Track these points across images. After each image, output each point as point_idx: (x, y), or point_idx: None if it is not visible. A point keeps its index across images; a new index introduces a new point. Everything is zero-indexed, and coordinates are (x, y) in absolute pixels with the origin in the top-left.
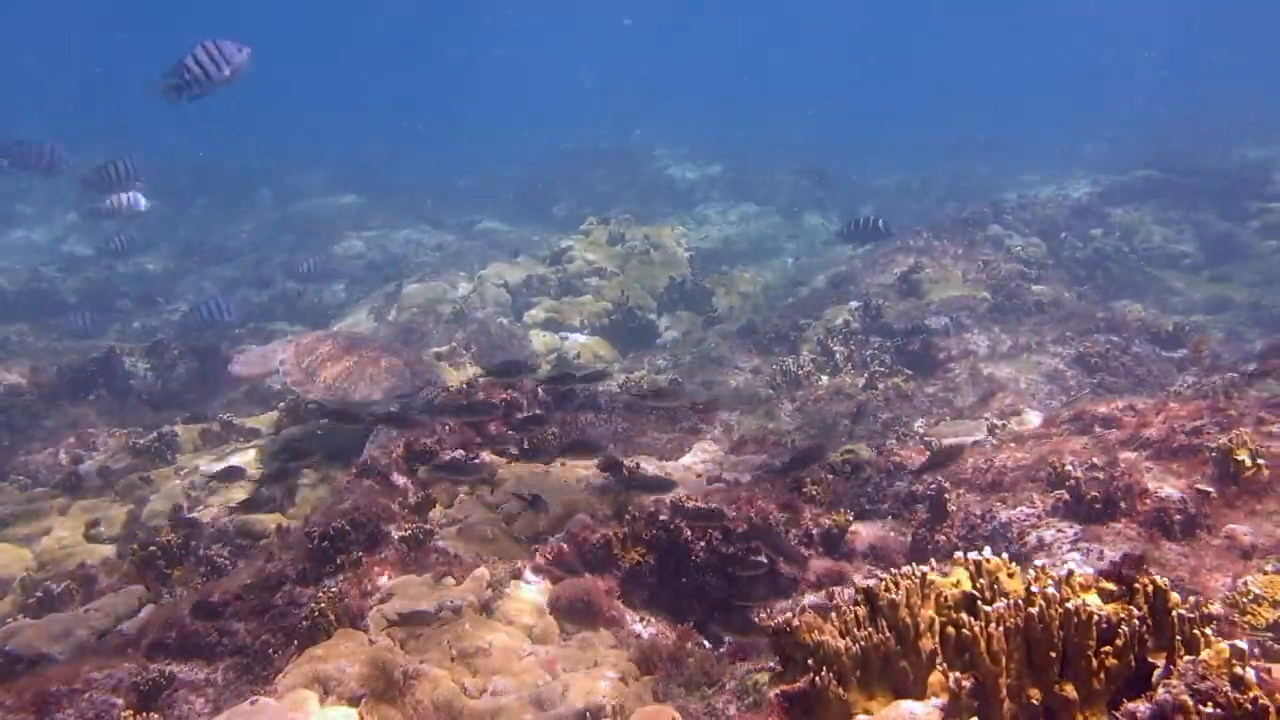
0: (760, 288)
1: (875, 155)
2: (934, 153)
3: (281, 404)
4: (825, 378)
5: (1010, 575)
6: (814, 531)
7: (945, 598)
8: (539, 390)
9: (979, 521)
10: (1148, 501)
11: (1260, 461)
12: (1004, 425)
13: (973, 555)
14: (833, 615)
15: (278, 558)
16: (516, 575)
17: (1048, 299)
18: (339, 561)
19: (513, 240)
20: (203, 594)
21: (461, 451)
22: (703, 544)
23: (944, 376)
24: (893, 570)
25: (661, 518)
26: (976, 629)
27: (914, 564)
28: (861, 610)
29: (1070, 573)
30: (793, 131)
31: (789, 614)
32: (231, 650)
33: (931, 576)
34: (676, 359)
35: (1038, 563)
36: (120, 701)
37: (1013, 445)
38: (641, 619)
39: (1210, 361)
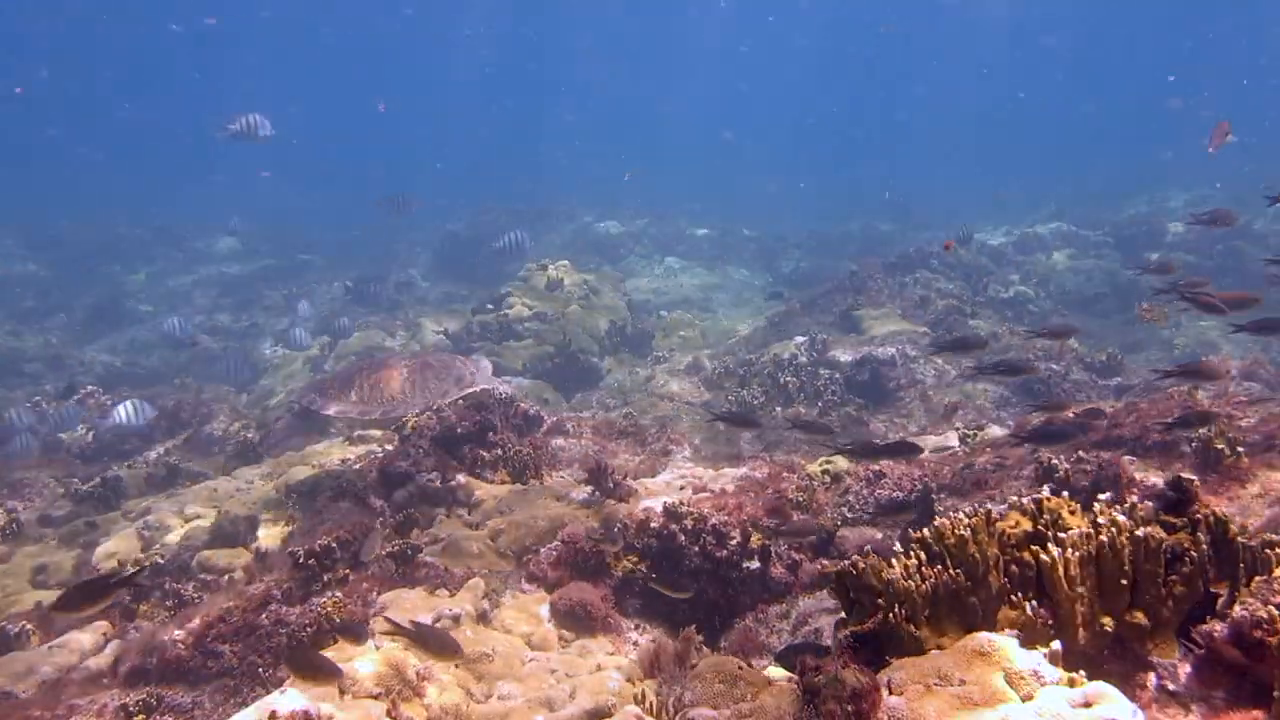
0: (699, 331)
1: (779, 212)
2: (837, 209)
3: (229, 447)
4: (779, 408)
5: (1072, 512)
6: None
7: (1008, 536)
8: (509, 415)
9: None
10: (1134, 490)
11: (1240, 450)
12: (974, 435)
13: (1031, 496)
14: (893, 560)
15: (259, 579)
16: (511, 585)
17: (985, 332)
18: (326, 580)
19: (437, 296)
20: (183, 619)
21: (437, 474)
22: (697, 548)
23: (895, 405)
24: (956, 512)
25: (653, 525)
26: (1055, 555)
27: (979, 505)
28: (921, 554)
29: (1134, 505)
30: (696, 189)
31: (854, 558)
32: (217, 673)
33: (995, 516)
34: (626, 397)
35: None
36: None
37: (989, 450)
38: (636, 626)
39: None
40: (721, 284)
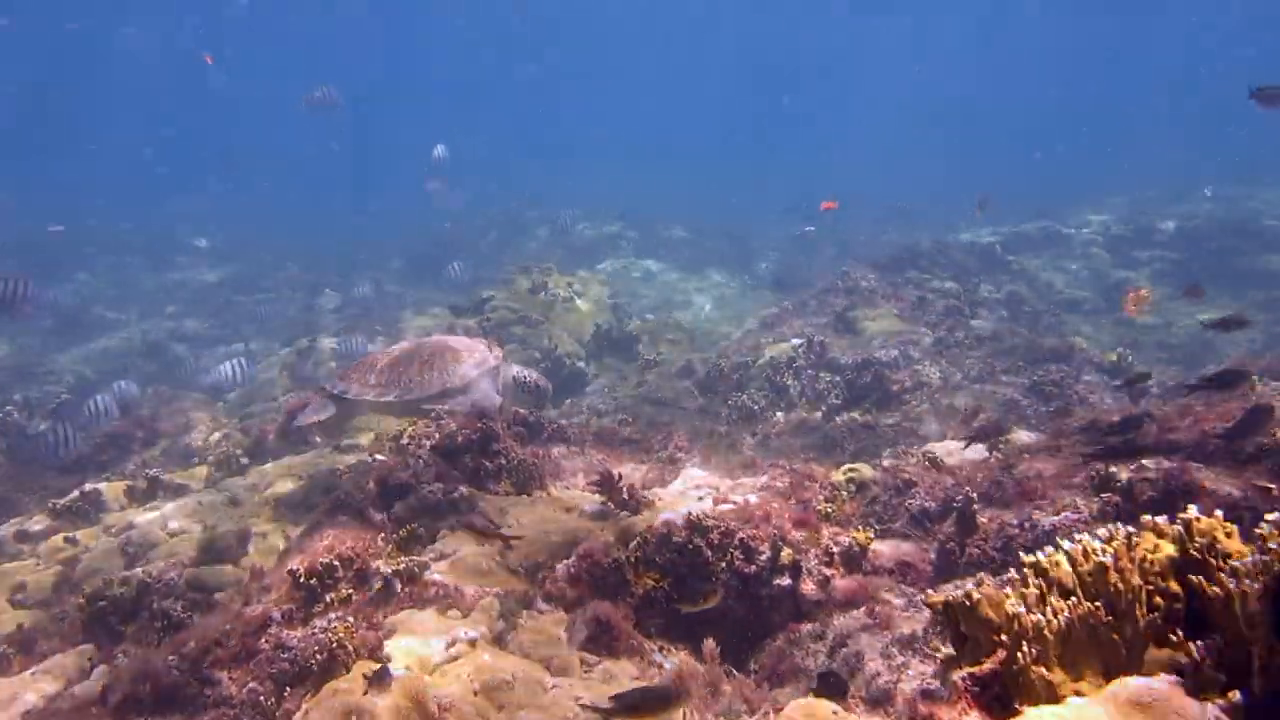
0: (686, 334)
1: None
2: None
3: (211, 458)
4: (780, 414)
5: (1229, 535)
6: (834, 550)
7: (1150, 563)
8: (511, 422)
9: (1016, 531)
10: (1207, 501)
11: None
12: (1006, 441)
13: (1179, 516)
14: (1008, 590)
15: (256, 599)
16: (528, 605)
17: (987, 333)
18: (329, 600)
19: (414, 300)
20: (175, 643)
21: (439, 485)
22: (724, 564)
23: (901, 408)
24: (1091, 533)
25: (675, 539)
26: (1230, 588)
27: (1115, 526)
28: (1041, 583)
29: None
30: (667, 193)
31: (967, 588)
32: (216, 702)
33: (1136, 539)
34: (618, 402)
35: None
36: None
37: (1027, 457)
38: (661, 648)
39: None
40: (702, 286)
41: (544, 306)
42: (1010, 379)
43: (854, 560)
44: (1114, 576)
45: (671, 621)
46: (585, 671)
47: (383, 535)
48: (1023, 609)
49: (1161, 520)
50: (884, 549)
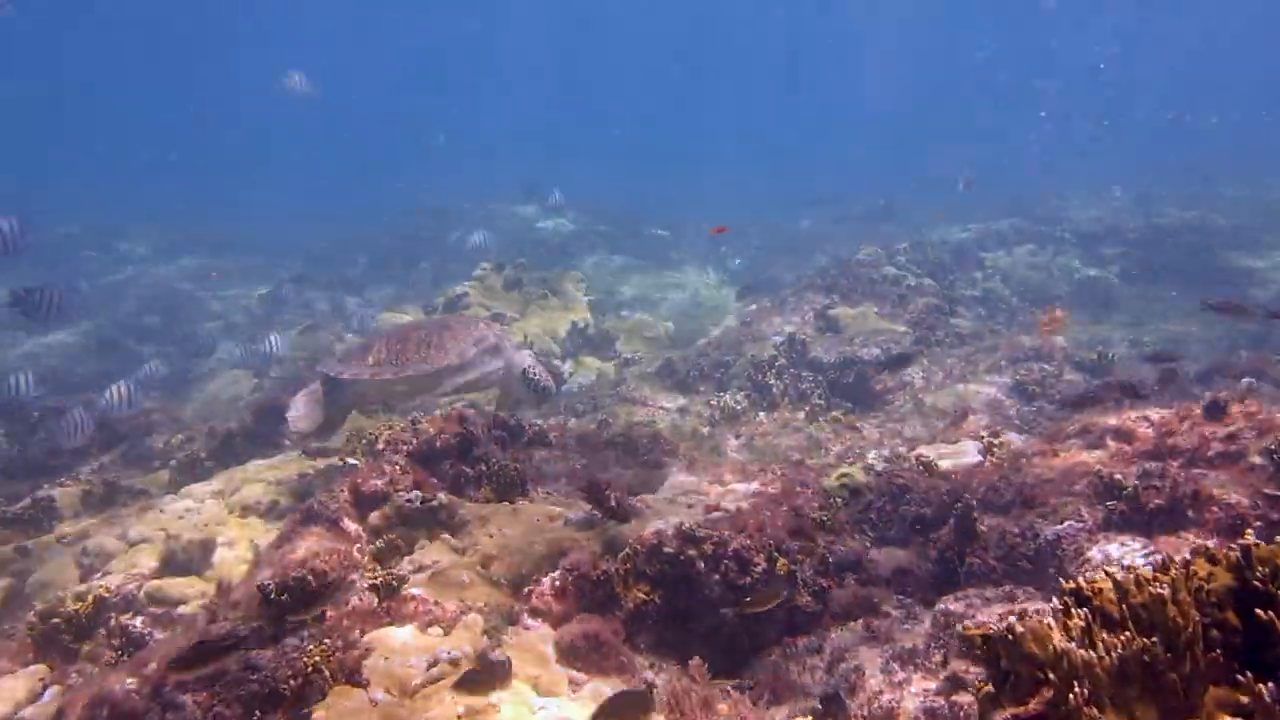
0: (664, 332)
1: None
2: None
3: (173, 462)
4: (762, 414)
5: None
6: (830, 560)
7: (1208, 593)
8: (492, 426)
9: (1018, 540)
10: (1214, 509)
11: None
12: (1001, 444)
13: (1238, 542)
14: (1050, 621)
15: (222, 616)
16: (512, 620)
17: (968, 331)
18: (300, 617)
19: (383, 297)
20: (136, 662)
21: (417, 493)
22: (718, 576)
23: (885, 409)
24: (1144, 563)
25: (667, 550)
26: None
27: (1171, 555)
28: (1084, 613)
29: None
30: (639, 190)
31: (1009, 620)
32: None
33: (1194, 567)
34: (596, 403)
35: None
36: None
37: (1023, 462)
38: (651, 665)
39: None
40: (678, 283)
41: (519, 303)
42: (992, 377)
43: (850, 570)
44: (1173, 610)
45: (662, 636)
46: (573, 691)
47: (358, 546)
48: (1072, 645)
49: (1213, 544)
50: (880, 558)
